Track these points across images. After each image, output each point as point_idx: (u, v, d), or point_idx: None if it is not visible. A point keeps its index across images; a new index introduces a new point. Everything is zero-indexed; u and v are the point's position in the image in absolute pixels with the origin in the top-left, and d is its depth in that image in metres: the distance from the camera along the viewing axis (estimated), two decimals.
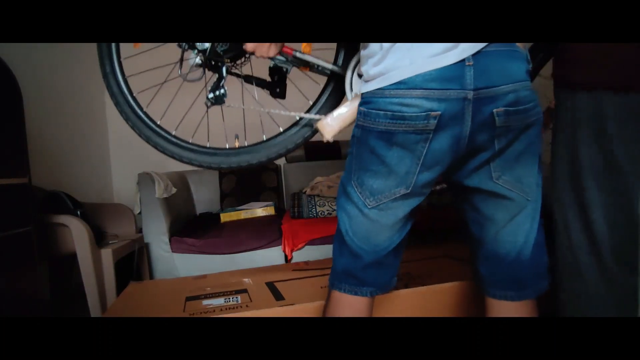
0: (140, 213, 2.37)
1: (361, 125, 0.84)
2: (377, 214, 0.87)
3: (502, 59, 0.78)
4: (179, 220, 2.56)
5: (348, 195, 0.90)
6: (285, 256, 2.27)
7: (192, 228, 2.57)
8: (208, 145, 1.29)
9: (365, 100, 0.84)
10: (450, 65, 0.76)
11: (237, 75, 1.27)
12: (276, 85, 1.24)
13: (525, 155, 0.85)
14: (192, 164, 1.29)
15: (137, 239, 2.25)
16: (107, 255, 1.94)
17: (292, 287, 1.63)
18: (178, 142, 1.29)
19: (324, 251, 2.20)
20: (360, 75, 1.07)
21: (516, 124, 0.80)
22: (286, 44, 1.15)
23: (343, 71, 1.18)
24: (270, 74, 1.24)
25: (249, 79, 1.27)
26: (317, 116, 1.23)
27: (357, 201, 0.88)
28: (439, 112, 0.77)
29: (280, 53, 1.18)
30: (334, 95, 1.24)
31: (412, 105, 0.77)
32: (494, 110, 0.78)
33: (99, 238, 2.05)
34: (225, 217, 2.83)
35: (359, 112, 0.85)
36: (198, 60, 1.19)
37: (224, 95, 1.23)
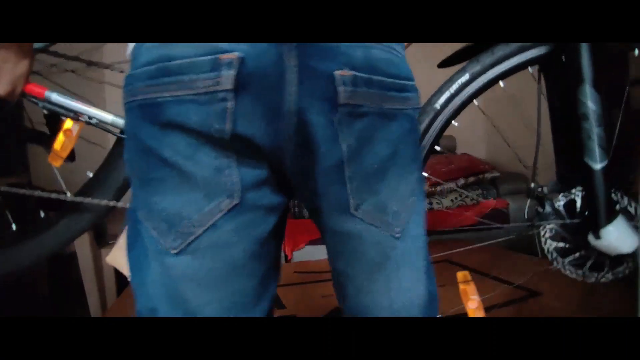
0: None
1: (124, 103, 0.49)
2: (191, 264, 0.48)
3: None
4: None
5: (138, 238, 0.51)
6: (285, 255, 2.27)
7: None
8: None
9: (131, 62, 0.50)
10: None
11: None
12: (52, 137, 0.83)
13: (391, 171, 0.52)
14: None
15: None
16: (107, 255, 1.94)
17: (293, 293, 1.64)
18: None
19: (325, 251, 2.21)
20: None
21: (369, 106, 0.48)
22: (32, 82, 0.74)
23: None
24: (48, 124, 0.83)
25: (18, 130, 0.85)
26: (97, 201, 0.87)
27: (154, 246, 0.48)
28: (236, 55, 0.43)
29: (24, 94, 0.75)
30: (120, 171, 0.86)
31: (182, 44, 0.45)
32: (335, 72, 0.46)
33: (99, 238, 2.05)
34: None
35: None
36: None
37: None
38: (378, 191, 0.52)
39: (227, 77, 0.43)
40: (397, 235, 0.54)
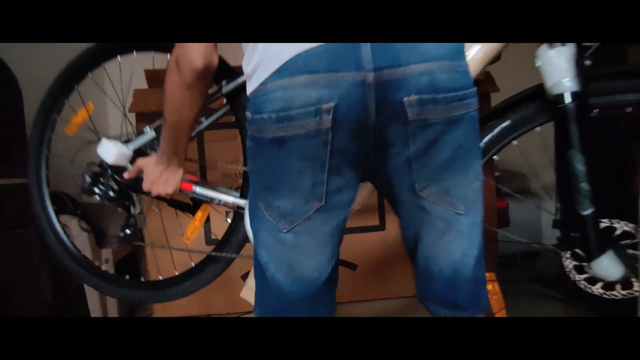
0: (140, 213, 2.35)
1: (251, 135, 0.70)
2: (294, 239, 0.73)
3: None
4: None
5: (260, 220, 0.76)
6: None
7: None
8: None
9: (250, 103, 0.70)
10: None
11: (157, 198, 1.15)
12: (197, 209, 1.19)
13: (456, 163, 0.70)
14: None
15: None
16: (107, 255, 1.94)
17: None
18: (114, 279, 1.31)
19: None
20: None
21: (436, 117, 0.65)
22: (185, 179, 1.07)
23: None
24: (193, 202, 1.19)
25: (172, 204, 1.20)
26: (229, 255, 1.17)
27: (270, 226, 0.73)
28: (332, 104, 0.62)
29: (181, 190, 1.09)
30: (242, 230, 1.17)
31: (297, 98, 0.63)
32: (404, 99, 0.63)
33: (100, 238, 2.05)
34: None
35: (247, 120, 0.70)
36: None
37: (133, 233, 1.23)
38: (441, 181, 0.70)
39: (327, 120, 0.63)
40: (461, 212, 0.72)
